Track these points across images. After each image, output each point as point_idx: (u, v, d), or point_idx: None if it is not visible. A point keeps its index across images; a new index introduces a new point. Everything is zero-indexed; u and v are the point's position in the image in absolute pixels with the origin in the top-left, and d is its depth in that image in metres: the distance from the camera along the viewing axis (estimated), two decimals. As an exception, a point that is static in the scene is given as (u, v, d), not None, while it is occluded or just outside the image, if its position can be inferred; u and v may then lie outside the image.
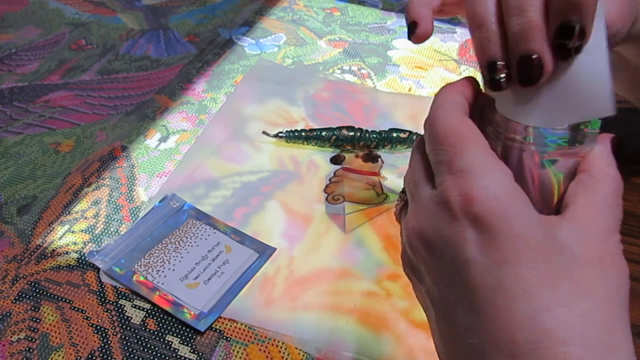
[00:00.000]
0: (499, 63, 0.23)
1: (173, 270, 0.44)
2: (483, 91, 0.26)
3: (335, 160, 0.55)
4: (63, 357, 0.39)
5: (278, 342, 0.40)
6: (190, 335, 0.41)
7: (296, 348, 0.40)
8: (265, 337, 0.41)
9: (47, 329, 0.41)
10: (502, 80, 0.23)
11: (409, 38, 0.28)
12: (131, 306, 0.43)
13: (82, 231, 0.48)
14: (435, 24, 0.85)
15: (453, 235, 0.22)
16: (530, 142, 0.23)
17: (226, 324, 0.41)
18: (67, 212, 0.50)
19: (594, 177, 0.22)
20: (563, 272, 0.20)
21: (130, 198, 0.51)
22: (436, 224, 0.23)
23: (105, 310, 0.42)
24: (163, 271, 0.44)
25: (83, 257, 0.46)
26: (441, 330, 0.24)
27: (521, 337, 0.20)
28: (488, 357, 0.21)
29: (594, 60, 0.22)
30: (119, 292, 0.43)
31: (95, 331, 0.41)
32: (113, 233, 0.48)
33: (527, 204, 0.21)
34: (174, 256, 0.45)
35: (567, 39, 0.21)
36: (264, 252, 0.46)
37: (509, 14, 0.22)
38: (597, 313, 0.20)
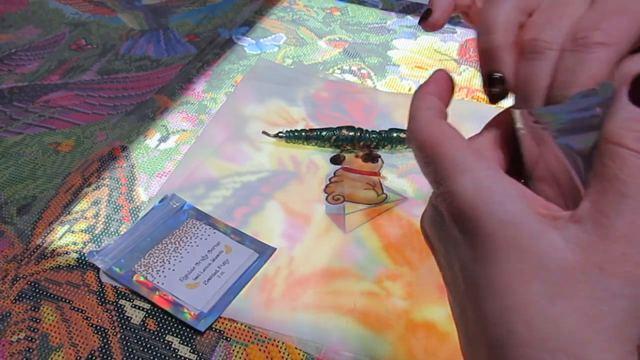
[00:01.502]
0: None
1: (173, 270, 0.44)
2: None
3: (335, 160, 0.55)
4: (63, 357, 0.39)
5: (278, 342, 0.40)
6: (190, 335, 0.41)
7: (296, 348, 0.40)
8: (265, 337, 0.41)
9: (47, 329, 0.41)
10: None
11: (419, 23, 0.28)
12: (131, 306, 0.43)
13: (82, 231, 0.48)
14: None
15: (445, 236, 0.23)
16: (538, 123, 0.22)
17: (226, 324, 0.41)
18: (67, 212, 0.50)
19: (610, 157, 0.19)
20: (537, 274, 0.20)
21: (130, 198, 0.51)
22: (435, 228, 0.24)
23: (105, 310, 0.42)
24: (163, 271, 0.44)
25: (83, 257, 0.46)
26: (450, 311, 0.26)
27: (492, 332, 0.20)
28: (471, 341, 0.22)
29: None
30: (119, 292, 0.43)
31: (95, 331, 0.41)
32: (113, 233, 0.48)
33: (503, 201, 0.21)
34: (174, 256, 0.45)
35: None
36: (264, 252, 0.46)
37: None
38: (569, 320, 0.19)
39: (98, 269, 0.45)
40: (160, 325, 0.41)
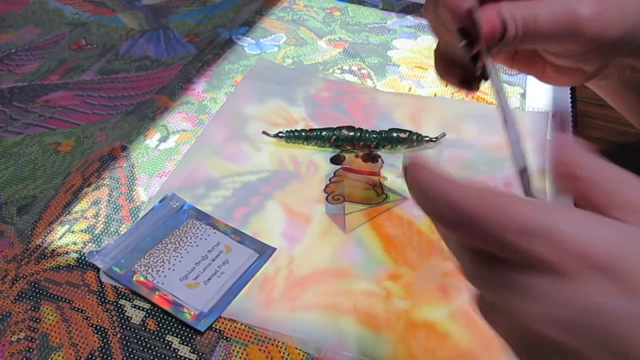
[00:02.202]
0: None
1: (173, 270, 0.44)
2: None
3: (335, 160, 0.55)
4: (63, 357, 0.39)
5: (278, 342, 0.40)
6: (190, 335, 0.41)
7: (296, 348, 0.40)
8: (265, 337, 0.41)
9: (47, 329, 0.41)
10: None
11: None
12: (131, 306, 0.43)
13: (82, 231, 0.48)
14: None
15: (587, 297, 0.19)
16: None
17: (226, 324, 0.41)
18: (67, 212, 0.50)
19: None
20: None
21: (130, 198, 0.51)
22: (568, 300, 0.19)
23: (105, 310, 0.42)
24: (163, 271, 0.44)
25: (83, 257, 0.46)
26: None
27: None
28: None
29: None
30: (118, 292, 0.43)
31: (95, 331, 0.41)
32: (113, 233, 0.48)
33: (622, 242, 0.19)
34: (174, 256, 0.45)
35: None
36: (264, 252, 0.46)
37: None
38: None
39: (98, 269, 0.45)
40: (160, 325, 0.41)
